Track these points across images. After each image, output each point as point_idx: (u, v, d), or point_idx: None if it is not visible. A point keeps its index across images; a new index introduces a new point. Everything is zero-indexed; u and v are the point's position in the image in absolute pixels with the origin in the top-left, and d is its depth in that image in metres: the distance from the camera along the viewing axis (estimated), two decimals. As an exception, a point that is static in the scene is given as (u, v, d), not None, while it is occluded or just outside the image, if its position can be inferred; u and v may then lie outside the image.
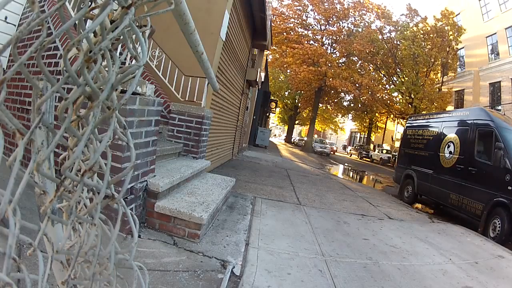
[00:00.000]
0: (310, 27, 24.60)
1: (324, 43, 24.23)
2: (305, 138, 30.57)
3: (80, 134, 0.44)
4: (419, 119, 8.11)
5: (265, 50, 11.88)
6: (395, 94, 22.24)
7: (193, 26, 1.59)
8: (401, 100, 21.68)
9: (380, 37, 21.14)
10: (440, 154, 6.47)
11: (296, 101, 34.74)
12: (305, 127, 46.71)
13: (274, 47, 23.13)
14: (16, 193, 0.35)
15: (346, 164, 19.61)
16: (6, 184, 0.34)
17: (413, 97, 19.32)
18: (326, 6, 22.93)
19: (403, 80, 20.36)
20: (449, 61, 20.25)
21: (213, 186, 3.40)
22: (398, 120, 22.59)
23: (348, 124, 45.88)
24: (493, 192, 4.83)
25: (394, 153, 22.38)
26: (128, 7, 0.45)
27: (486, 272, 2.92)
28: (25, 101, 2.98)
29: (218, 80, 4.39)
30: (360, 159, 27.79)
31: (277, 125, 56.71)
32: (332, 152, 27.51)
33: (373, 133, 32.01)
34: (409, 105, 19.71)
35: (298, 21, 23.90)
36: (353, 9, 22.98)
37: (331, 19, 23.34)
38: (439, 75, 20.99)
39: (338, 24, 23.50)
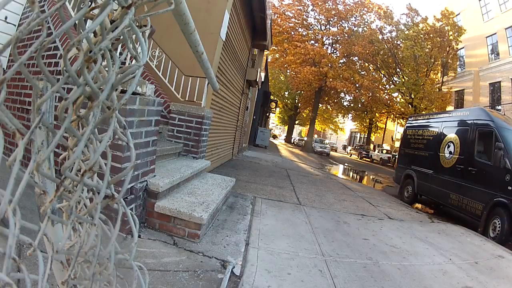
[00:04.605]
0: (311, 27, 24.59)
1: (325, 43, 24.23)
2: (305, 138, 30.55)
3: (80, 134, 0.44)
4: (419, 119, 8.11)
5: (265, 50, 11.87)
6: (395, 94, 22.24)
7: (193, 26, 1.59)
8: (401, 100, 21.69)
9: (380, 37, 21.15)
10: (440, 154, 6.47)
11: (296, 101, 34.74)
12: (305, 127, 46.70)
13: (274, 47, 23.12)
14: (16, 193, 0.35)
15: (346, 164, 19.61)
16: (6, 184, 0.34)
17: (413, 97, 19.33)
18: (328, 6, 22.91)
19: (403, 80, 20.37)
20: (449, 61, 20.26)
21: (213, 186, 3.40)
22: (398, 120, 22.58)
23: (348, 124, 45.87)
24: (493, 192, 4.83)
25: (394, 153, 22.37)
26: (128, 7, 0.45)
27: (486, 272, 2.92)
28: (25, 101, 2.98)
29: (218, 80, 4.39)
30: (360, 159, 27.78)
31: (277, 125, 56.74)
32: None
33: (373, 133, 31.99)
34: (409, 105, 19.72)
35: (298, 21, 23.88)
36: (354, 9, 22.96)
37: (332, 19, 23.33)
38: (439, 75, 21.00)
39: (339, 24, 23.49)
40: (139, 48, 0.52)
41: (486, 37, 18.56)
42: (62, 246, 0.53)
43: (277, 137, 52.74)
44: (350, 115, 31.76)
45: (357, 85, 21.61)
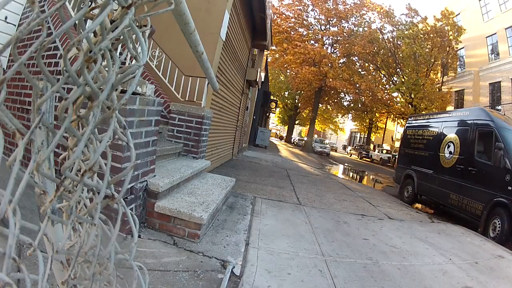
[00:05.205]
0: (311, 27, 24.59)
1: (325, 43, 24.23)
2: (305, 138, 30.57)
3: (80, 134, 0.44)
4: (419, 119, 8.11)
5: (265, 50, 11.87)
6: (395, 94, 22.25)
7: (193, 26, 1.59)
8: (401, 100, 21.70)
9: (380, 37, 21.15)
10: (440, 154, 6.47)
11: (296, 101, 34.74)
12: (305, 127, 46.62)
13: (274, 47, 23.11)
14: (16, 193, 0.35)
15: (346, 164, 19.61)
16: (6, 184, 0.34)
17: (413, 97, 19.33)
18: (328, 6, 22.91)
19: (403, 80, 20.37)
20: (449, 61, 20.26)
21: (213, 186, 3.40)
22: (398, 120, 22.59)
23: (348, 124, 45.86)
24: (493, 192, 4.83)
25: (394, 153, 22.38)
26: (128, 7, 0.45)
27: (486, 272, 2.92)
28: (25, 101, 2.98)
29: (218, 80, 4.39)
30: (360, 159, 27.79)
31: (277, 125, 56.47)
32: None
33: (373, 133, 32.00)
34: (409, 105, 19.73)
35: (298, 21, 23.88)
36: (355, 9, 22.97)
37: (332, 19, 23.33)
38: (439, 75, 21.01)
39: (339, 24, 23.49)
40: (139, 48, 0.52)
41: (486, 37, 18.56)
42: (62, 246, 0.53)
43: (283, 138, 50.33)
44: (350, 115, 31.77)
45: (357, 85, 21.62)
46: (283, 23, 23.23)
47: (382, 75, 22.86)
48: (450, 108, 19.08)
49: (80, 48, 0.41)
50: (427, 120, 7.64)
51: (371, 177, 14.03)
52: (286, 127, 47.20)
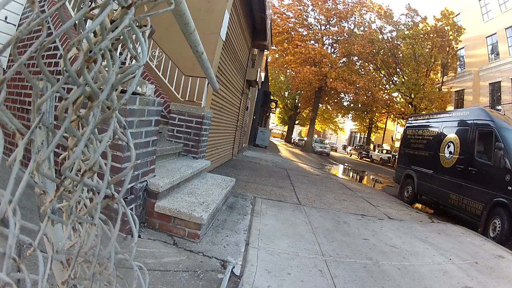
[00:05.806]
0: (311, 27, 24.59)
1: (325, 43, 24.22)
2: (305, 138, 30.57)
3: (80, 134, 0.44)
4: (419, 119, 8.11)
5: (265, 50, 11.87)
6: (395, 94, 22.26)
7: (193, 26, 1.59)
8: (401, 100, 21.70)
9: (380, 37, 21.16)
10: (440, 154, 6.47)
11: (296, 101, 34.74)
12: (305, 127, 46.56)
13: (274, 47, 23.11)
14: (16, 193, 0.35)
15: (346, 164, 19.61)
16: (6, 184, 0.34)
17: (413, 97, 19.34)
18: (328, 6, 22.91)
19: (403, 80, 20.37)
20: (449, 61, 20.27)
21: (213, 186, 3.40)
22: (398, 120, 22.58)
23: (348, 124, 45.82)
24: (493, 192, 4.83)
25: (394, 153, 22.37)
26: (128, 7, 0.45)
27: (486, 272, 2.92)
28: (25, 101, 2.98)
29: (218, 80, 4.39)
30: (360, 159, 27.79)
31: (277, 125, 56.44)
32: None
33: (373, 133, 31.99)
34: (409, 105, 19.73)
35: (298, 21, 23.87)
36: (354, 9, 22.97)
37: (332, 19, 23.33)
38: (439, 75, 21.02)
39: (340, 24, 23.49)
40: (139, 48, 0.52)
41: (486, 37, 18.56)
42: (62, 246, 0.53)
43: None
44: (350, 115, 31.75)
45: (356, 85, 21.63)
46: (283, 23, 23.23)
47: (382, 75, 22.87)
48: (450, 108, 19.08)
49: (80, 48, 0.41)
50: (427, 120, 7.63)
51: (371, 177, 14.03)
52: (286, 127, 47.13)
